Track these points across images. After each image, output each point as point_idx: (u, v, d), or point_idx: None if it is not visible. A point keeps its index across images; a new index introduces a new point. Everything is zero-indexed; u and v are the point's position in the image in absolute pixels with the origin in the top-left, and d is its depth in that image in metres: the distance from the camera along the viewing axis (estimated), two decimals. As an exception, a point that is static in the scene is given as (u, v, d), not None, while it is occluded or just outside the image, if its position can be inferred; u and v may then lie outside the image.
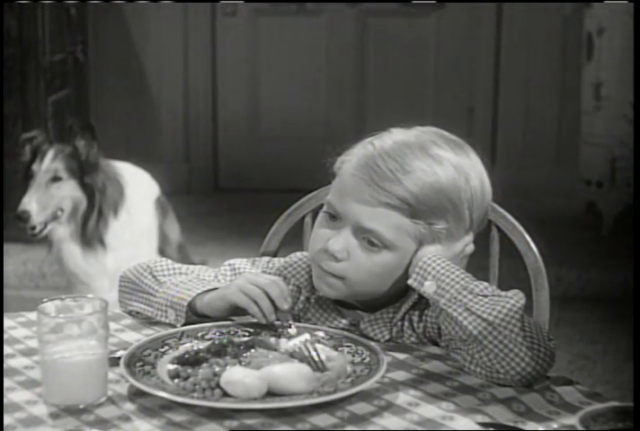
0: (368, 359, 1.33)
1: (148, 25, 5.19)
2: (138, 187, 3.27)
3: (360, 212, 1.41)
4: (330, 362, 1.33)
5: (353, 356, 1.35)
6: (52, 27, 4.40)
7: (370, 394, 1.27)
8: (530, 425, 1.20)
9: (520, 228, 1.70)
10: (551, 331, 1.45)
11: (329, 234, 1.44)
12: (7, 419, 1.20)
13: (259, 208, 3.97)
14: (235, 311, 1.46)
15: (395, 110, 4.94)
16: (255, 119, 5.38)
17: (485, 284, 1.38)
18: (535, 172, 5.17)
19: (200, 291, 1.49)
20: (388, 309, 1.48)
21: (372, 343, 1.39)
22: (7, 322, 1.54)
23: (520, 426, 1.20)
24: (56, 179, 3.13)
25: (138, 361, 1.31)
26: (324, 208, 1.47)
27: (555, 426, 1.20)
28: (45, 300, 1.27)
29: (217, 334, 1.43)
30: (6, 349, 1.43)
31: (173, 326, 1.49)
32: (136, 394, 1.26)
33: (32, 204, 3.08)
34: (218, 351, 1.34)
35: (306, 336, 1.38)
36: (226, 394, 1.24)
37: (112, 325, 1.47)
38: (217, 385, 1.24)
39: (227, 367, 1.28)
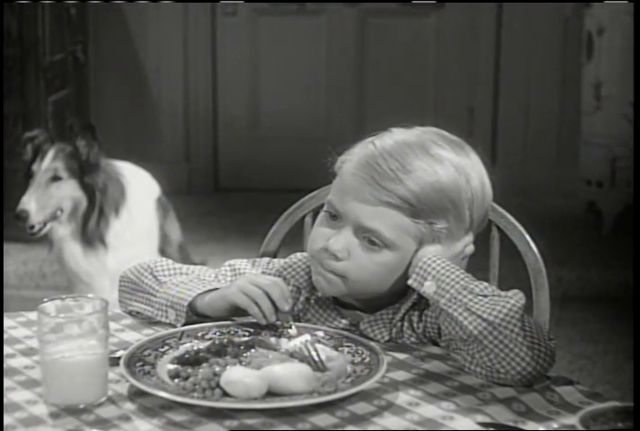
0: (368, 359, 1.33)
1: (148, 25, 5.19)
2: (139, 187, 3.27)
3: (360, 211, 1.41)
4: (330, 362, 1.33)
5: (353, 355, 1.35)
6: (52, 27, 4.40)
7: (370, 394, 1.27)
8: (530, 425, 1.20)
9: (521, 228, 1.70)
10: (551, 331, 1.45)
11: (329, 233, 1.44)
12: (7, 419, 1.20)
13: (259, 208, 3.97)
14: (236, 311, 1.46)
15: (395, 110, 4.93)
16: (255, 119, 5.38)
17: (485, 284, 1.38)
18: (535, 172, 5.17)
19: (200, 291, 1.49)
20: (388, 309, 1.48)
21: (372, 343, 1.39)
22: (7, 322, 1.54)
23: (521, 426, 1.20)
24: (55, 178, 3.12)
25: (139, 361, 1.31)
26: (325, 208, 1.48)
27: (555, 425, 1.20)
28: (45, 300, 1.27)
29: (218, 334, 1.43)
30: (6, 349, 1.43)
31: (174, 326, 1.49)
32: (136, 394, 1.26)
33: (31, 203, 3.08)
34: (219, 351, 1.34)
35: (307, 336, 1.38)
36: (226, 394, 1.24)
37: (113, 325, 1.47)
38: (218, 385, 1.24)
39: (228, 367, 1.28)
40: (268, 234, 1.81)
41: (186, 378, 1.27)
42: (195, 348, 1.36)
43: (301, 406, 1.21)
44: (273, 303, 1.43)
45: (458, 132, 1.51)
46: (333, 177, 1.48)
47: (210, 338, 1.41)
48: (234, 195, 5.32)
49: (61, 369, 1.23)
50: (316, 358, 1.32)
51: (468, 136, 1.53)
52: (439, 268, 1.39)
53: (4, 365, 1.36)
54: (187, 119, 5.34)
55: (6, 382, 1.30)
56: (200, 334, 1.42)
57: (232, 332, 1.43)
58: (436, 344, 1.47)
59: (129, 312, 1.59)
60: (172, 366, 1.32)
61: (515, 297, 1.34)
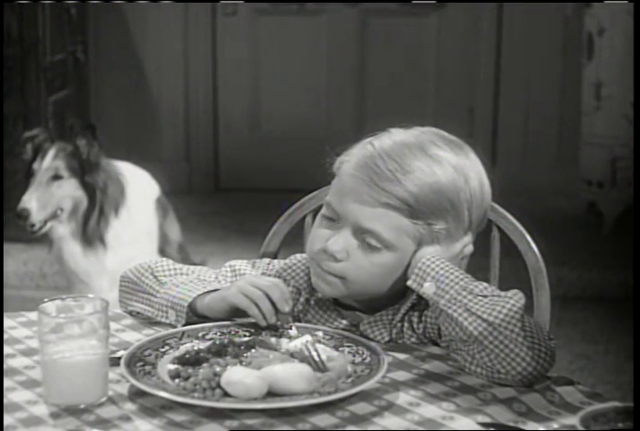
0: (368, 359, 1.33)
1: (148, 25, 5.18)
2: (139, 187, 3.27)
3: (359, 212, 1.41)
4: (330, 362, 1.33)
5: (354, 356, 1.35)
6: (52, 27, 4.40)
7: (371, 394, 1.27)
8: (531, 425, 1.20)
9: (521, 228, 1.70)
10: (552, 331, 1.45)
11: (328, 234, 1.44)
12: (8, 419, 1.20)
13: (259, 208, 3.97)
14: (236, 312, 1.46)
15: (395, 111, 4.93)
16: (256, 119, 5.38)
17: (485, 284, 1.38)
18: (535, 172, 5.17)
19: (200, 292, 1.49)
20: (388, 310, 1.48)
21: (373, 343, 1.39)
22: (7, 322, 1.54)
23: (521, 426, 1.20)
24: (56, 177, 3.13)
25: (139, 361, 1.31)
26: (324, 209, 1.47)
27: (555, 426, 1.20)
28: (45, 300, 1.27)
29: (218, 334, 1.43)
30: (7, 349, 1.43)
31: (174, 326, 1.49)
32: (136, 394, 1.26)
33: (32, 202, 3.08)
34: (219, 351, 1.34)
35: (307, 337, 1.38)
36: (226, 394, 1.24)
37: (113, 325, 1.47)
38: (218, 385, 1.24)
39: (228, 367, 1.28)
40: (268, 234, 1.81)
41: (186, 378, 1.27)
42: (195, 348, 1.36)
43: (301, 406, 1.21)
44: (273, 304, 1.42)
45: (458, 132, 1.51)
46: (332, 178, 1.48)
47: (211, 339, 1.41)
48: (234, 195, 5.31)
49: (61, 369, 1.23)
50: (317, 358, 1.32)
51: (468, 136, 1.53)
52: (438, 268, 1.38)
53: (5, 365, 1.36)
54: (187, 119, 5.34)
55: (7, 383, 1.30)
56: (200, 334, 1.42)
57: (232, 332, 1.43)
58: (436, 344, 1.47)
59: (130, 313, 1.59)
60: (172, 366, 1.32)
61: (515, 297, 1.34)
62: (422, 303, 1.47)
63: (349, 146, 1.48)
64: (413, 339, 1.48)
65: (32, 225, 3.11)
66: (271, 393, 1.24)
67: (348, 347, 1.38)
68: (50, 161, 3.12)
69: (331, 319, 1.52)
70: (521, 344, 1.30)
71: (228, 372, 1.25)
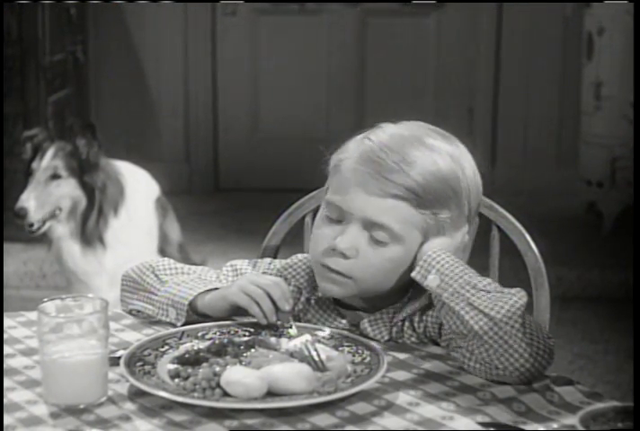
0: (368, 359, 1.33)
1: (148, 25, 5.18)
2: (139, 186, 3.27)
3: (368, 206, 1.41)
4: (330, 362, 1.33)
5: (354, 355, 1.35)
6: (52, 27, 4.40)
7: (371, 394, 1.27)
8: (531, 425, 1.20)
9: (521, 228, 1.70)
10: (551, 331, 1.45)
11: (333, 233, 1.44)
12: (8, 419, 1.20)
13: (259, 208, 3.97)
14: (237, 311, 1.46)
15: (394, 111, 4.90)
16: (256, 119, 5.38)
17: (489, 280, 1.38)
18: (535, 172, 5.17)
19: (201, 290, 1.49)
20: (389, 309, 1.48)
21: (372, 343, 1.39)
22: (7, 322, 1.54)
23: (521, 425, 1.20)
24: (55, 176, 3.12)
25: (139, 361, 1.31)
26: (324, 210, 1.47)
27: (555, 425, 1.20)
28: (45, 300, 1.27)
29: (218, 334, 1.43)
30: (6, 349, 1.43)
31: (174, 325, 1.49)
32: (136, 394, 1.26)
33: (30, 201, 3.08)
34: (219, 351, 1.34)
35: (307, 336, 1.38)
36: (226, 394, 1.24)
37: (113, 325, 1.47)
38: (218, 385, 1.24)
39: (228, 367, 1.28)
40: (268, 234, 1.81)
41: (186, 378, 1.27)
42: (195, 348, 1.36)
43: (301, 406, 1.21)
44: (274, 302, 1.43)
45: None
46: (326, 178, 1.48)
47: (210, 338, 1.41)
48: (234, 195, 5.31)
49: (61, 369, 1.23)
50: (316, 358, 1.32)
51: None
52: (443, 262, 1.39)
53: (5, 365, 1.36)
54: (187, 119, 5.34)
55: (6, 382, 1.30)
56: (200, 334, 1.42)
57: (232, 332, 1.43)
58: (436, 344, 1.47)
59: (130, 311, 1.59)
60: (172, 366, 1.32)
61: (518, 295, 1.34)
62: (423, 303, 1.47)
63: (340, 145, 1.48)
64: (413, 339, 1.48)
65: (31, 225, 3.11)
66: (271, 393, 1.24)
67: (348, 346, 1.38)
68: (49, 160, 3.11)
69: (330, 318, 1.52)
70: (520, 340, 1.30)
71: (228, 371, 1.25)
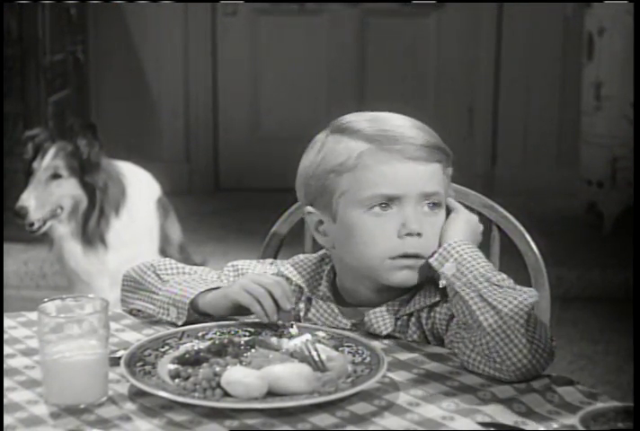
0: (368, 359, 1.33)
1: (148, 25, 5.18)
2: (140, 187, 3.27)
3: (416, 179, 1.44)
4: (330, 362, 1.33)
5: (354, 355, 1.35)
6: (52, 27, 4.40)
7: (371, 394, 1.27)
8: (531, 425, 1.20)
9: (521, 228, 1.70)
10: (552, 331, 1.45)
11: (392, 221, 1.44)
12: (8, 419, 1.20)
13: (259, 208, 3.97)
14: (238, 310, 1.46)
15: (394, 110, 4.92)
16: (256, 119, 5.38)
17: (504, 275, 1.40)
18: (535, 172, 5.17)
19: (202, 289, 1.49)
20: (394, 302, 1.49)
21: (373, 343, 1.39)
22: (7, 322, 1.54)
23: (521, 425, 1.20)
24: (56, 176, 3.12)
25: (139, 361, 1.31)
26: (366, 209, 1.45)
27: (555, 425, 1.20)
28: (45, 300, 1.27)
29: (218, 334, 1.43)
30: (7, 349, 1.43)
31: (174, 324, 1.50)
32: (136, 394, 1.26)
33: (31, 200, 3.08)
34: (219, 351, 1.34)
35: (308, 336, 1.38)
36: (226, 394, 1.24)
37: (113, 325, 1.47)
38: (218, 385, 1.24)
39: (228, 367, 1.28)
40: (268, 234, 1.82)
41: (187, 378, 1.27)
42: (195, 348, 1.36)
43: (301, 406, 1.21)
44: (275, 301, 1.43)
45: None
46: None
47: (211, 338, 1.41)
48: (234, 195, 5.31)
49: (61, 369, 1.23)
50: (317, 358, 1.32)
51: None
52: (462, 252, 1.41)
53: (5, 365, 1.36)
54: (187, 119, 5.34)
55: (7, 382, 1.30)
56: (200, 334, 1.42)
57: (232, 332, 1.43)
58: (441, 341, 1.47)
59: (130, 311, 1.59)
60: (172, 366, 1.32)
61: (529, 293, 1.36)
62: (434, 300, 1.48)
63: (333, 147, 1.50)
64: (415, 336, 1.48)
65: (31, 224, 3.11)
66: (271, 393, 1.24)
67: (348, 346, 1.38)
68: (50, 160, 3.11)
69: (331, 317, 1.52)
70: (522, 336, 1.31)
71: (228, 372, 1.26)
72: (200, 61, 5.26)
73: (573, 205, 4.81)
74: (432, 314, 1.48)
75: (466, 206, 1.71)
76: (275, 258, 1.76)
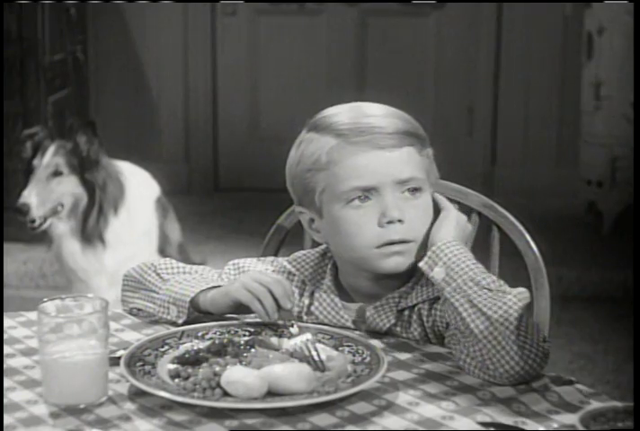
0: (368, 359, 1.33)
1: (148, 25, 5.18)
2: (139, 186, 3.27)
3: (389, 167, 1.44)
4: (330, 361, 1.33)
5: (354, 355, 1.35)
6: (52, 27, 4.40)
7: (371, 394, 1.27)
8: (530, 424, 1.20)
9: (521, 228, 1.70)
10: (551, 331, 1.45)
11: (372, 211, 1.45)
12: (8, 419, 1.20)
13: (259, 208, 3.98)
14: (238, 308, 1.47)
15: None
16: (255, 119, 5.38)
17: (494, 277, 1.39)
18: (535, 172, 5.17)
19: (203, 288, 1.50)
20: (394, 294, 1.50)
21: (373, 343, 1.39)
22: (7, 322, 1.54)
23: (521, 425, 1.20)
24: (56, 173, 3.13)
25: (139, 361, 1.31)
26: (344, 203, 1.46)
27: (555, 425, 1.20)
28: (45, 300, 1.27)
29: (218, 334, 1.43)
30: (6, 349, 1.43)
31: (174, 323, 1.50)
32: (136, 394, 1.26)
33: (32, 197, 3.08)
34: (219, 351, 1.34)
35: (308, 335, 1.38)
36: (226, 394, 1.24)
37: (113, 325, 1.47)
38: (218, 385, 1.24)
39: (228, 367, 1.28)
40: (268, 234, 1.81)
41: (186, 378, 1.27)
42: (195, 348, 1.36)
43: (301, 406, 1.21)
44: (276, 300, 1.43)
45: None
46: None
47: (210, 338, 1.41)
48: (234, 195, 5.31)
49: (61, 369, 1.23)
50: (317, 358, 1.33)
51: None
52: (451, 254, 1.40)
53: (5, 365, 1.36)
54: (187, 119, 5.33)
55: (6, 382, 1.30)
56: (200, 334, 1.42)
57: (232, 332, 1.43)
58: (442, 338, 1.47)
59: (130, 311, 1.59)
60: (172, 366, 1.32)
61: (519, 296, 1.35)
62: (433, 295, 1.48)
63: (304, 146, 1.51)
64: (417, 334, 1.48)
65: (32, 221, 3.11)
66: (271, 393, 1.24)
67: (348, 346, 1.38)
68: (50, 157, 3.12)
69: (333, 311, 1.52)
70: (513, 343, 1.30)
71: (228, 371, 1.26)
72: (200, 61, 5.26)
73: (572, 204, 4.81)
74: (433, 312, 1.48)
75: (467, 206, 1.72)
76: (276, 255, 1.76)
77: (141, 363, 1.31)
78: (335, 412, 1.22)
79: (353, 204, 1.46)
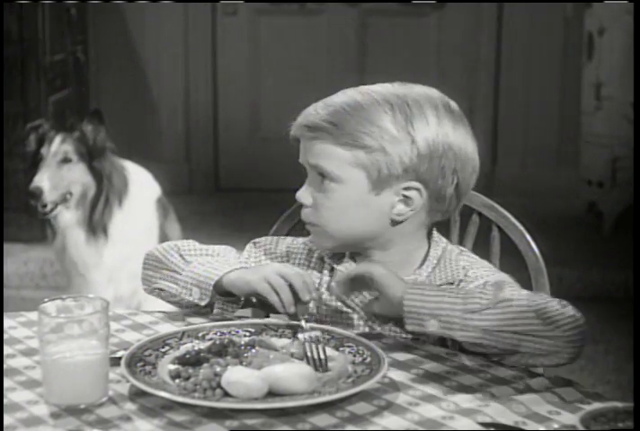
0: (369, 359, 1.33)
1: (148, 25, 5.18)
2: (140, 186, 3.28)
3: (306, 154, 1.53)
4: (331, 362, 1.33)
5: (354, 356, 1.35)
6: (52, 27, 4.40)
7: (371, 394, 1.27)
8: (531, 425, 1.20)
9: (521, 228, 1.70)
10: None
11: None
12: (8, 419, 1.20)
13: (260, 208, 3.97)
14: (258, 295, 1.49)
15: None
16: (256, 119, 5.38)
17: (470, 290, 1.39)
18: (535, 172, 5.17)
19: (227, 270, 1.52)
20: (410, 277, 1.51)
21: (373, 343, 1.39)
22: (7, 322, 1.54)
23: (521, 426, 1.20)
24: (66, 160, 3.14)
25: (139, 361, 1.31)
26: None
27: (555, 426, 1.20)
28: (46, 300, 1.27)
29: (218, 334, 1.43)
30: (7, 349, 1.43)
31: (196, 306, 1.54)
32: (137, 394, 1.26)
33: (45, 181, 3.10)
34: (219, 351, 1.34)
35: (318, 332, 1.39)
36: (226, 394, 1.24)
37: (113, 325, 1.47)
38: (218, 385, 1.24)
39: (228, 367, 1.28)
40: (268, 234, 1.81)
41: (187, 378, 1.28)
42: (196, 348, 1.36)
43: (302, 406, 1.21)
44: (295, 293, 1.44)
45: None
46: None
47: (211, 339, 1.41)
48: (234, 195, 5.31)
49: (62, 369, 1.23)
50: (317, 358, 1.32)
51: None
52: (425, 303, 1.35)
53: (5, 365, 1.36)
54: (187, 119, 5.33)
55: (7, 383, 1.30)
56: (200, 334, 1.42)
57: (233, 332, 1.43)
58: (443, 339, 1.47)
59: (152, 291, 1.61)
60: (172, 366, 1.32)
61: (502, 303, 1.34)
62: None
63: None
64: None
65: (44, 205, 3.13)
66: (272, 393, 1.24)
67: (348, 347, 1.38)
68: (58, 145, 3.13)
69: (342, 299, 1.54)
70: (543, 337, 1.35)
71: (229, 372, 1.26)
72: (200, 61, 5.26)
73: (573, 205, 4.81)
74: None
75: (467, 206, 1.72)
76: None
77: (142, 363, 1.31)
78: (335, 412, 1.22)
79: None
